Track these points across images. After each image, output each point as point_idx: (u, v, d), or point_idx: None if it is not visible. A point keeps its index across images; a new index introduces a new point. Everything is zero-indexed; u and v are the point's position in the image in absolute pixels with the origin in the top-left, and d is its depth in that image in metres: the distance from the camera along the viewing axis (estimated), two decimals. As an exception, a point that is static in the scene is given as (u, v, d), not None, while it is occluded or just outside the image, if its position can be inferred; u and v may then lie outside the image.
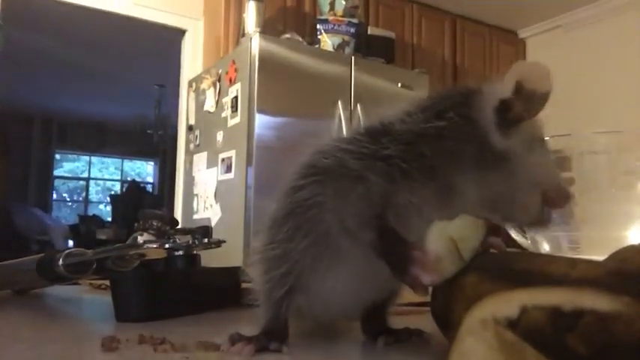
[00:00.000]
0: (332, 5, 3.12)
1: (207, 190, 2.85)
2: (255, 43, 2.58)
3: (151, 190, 8.25)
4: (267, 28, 2.96)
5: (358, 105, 2.75)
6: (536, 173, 0.45)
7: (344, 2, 3.11)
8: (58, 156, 7.94)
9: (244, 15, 3.00)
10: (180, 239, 0.76)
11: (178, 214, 3.20)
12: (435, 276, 0.38)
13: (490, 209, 0.44)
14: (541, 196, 0.44)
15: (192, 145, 3.11)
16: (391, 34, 3.48)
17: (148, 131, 6.53)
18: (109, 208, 7.60)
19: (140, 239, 0.79)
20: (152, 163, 8.56)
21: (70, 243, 6.17)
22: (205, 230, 0.85)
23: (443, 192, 0.43)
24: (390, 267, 0.41)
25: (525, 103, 0.43)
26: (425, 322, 0.51)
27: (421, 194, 0.43)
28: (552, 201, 0.45)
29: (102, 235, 5.96)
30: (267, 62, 2.58)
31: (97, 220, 6.88)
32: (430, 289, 0.41)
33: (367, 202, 0.42)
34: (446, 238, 0.40)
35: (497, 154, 0.43)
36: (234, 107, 2.66)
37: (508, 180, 0.44)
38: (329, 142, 0.48)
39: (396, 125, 0.45)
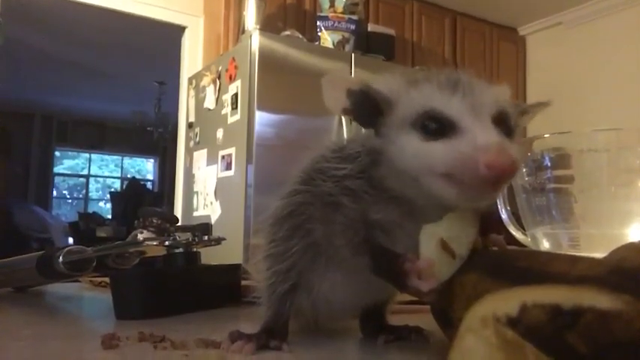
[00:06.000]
0: (332, 2, 3.12)
1: (207, 188, 2.85)
2: (255, 40, 2.57)
3: (150, 187, 8.24)
4: (267, 25, 2.96)
5: (358, 102, 2.74)
6: (402, 160, 0.40)
7: (344, -1, 3.11)
8: (58, 153, 7.93)
9: (244, 12, 3.00)
10: (180, 237, 0.76)
11: (178, 211, 3.19)
12: (432, 282, 0.39)
13: (442, 207, 0.41)
14: (436, 177, 0.39)
15: (192, 143, 3.11)
16: (391, 32, 3.47)
17: (148, 128, 6.51)
18: (108, 205, 7.60)
19: (140, 237, 0.79)
20: (152, 160, 8.55)
21: (70, 240, 6.17)
22: (205, 228, 0.85)
23: (402, 201, 0.43)
24: (390, 283, 0.41)
25: (354, 103, 0.43)
26: (425, 320, 0.52)
27: (387, 208, 0.43)
28: (451, 178, 0.38)
29: (102, 233, 5.95)
30: (267, 59, 2.58)
31: (96, 217, 6.88)
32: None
33: (351, 230, 0.43)
34: (436, 240, 0.40)
35: (379, 152, 0.43)
36: (234, 104, 2.66)
37: (395, 173, 0.42)
38: (324, 151, 0.49)
39: (348, 148, 0.47)
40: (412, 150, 0.40)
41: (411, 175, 0.41)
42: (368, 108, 0.43)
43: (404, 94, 0.42)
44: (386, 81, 0.44)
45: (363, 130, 0.46)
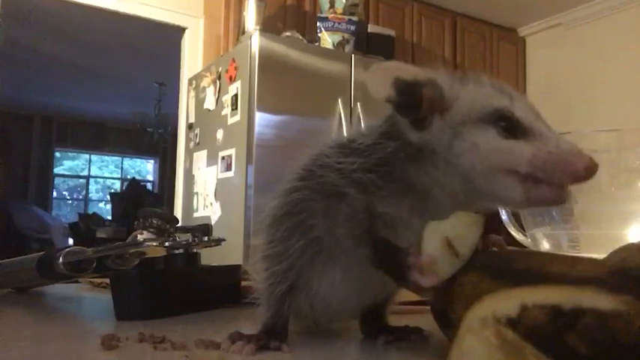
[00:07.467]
0: (332, 3, 3.12)
1: (207, 189, 2.85)
2: (255, 41, 2.57)
3: (151, 188, 8.24)
4: (267, 26, 2.96)
5: (358, 103, 2.75)
6: (474, 156, 0.41)
7: (344, 0, 3.11)
8: (58, 154, 7.93)
9: (244, 13, 3.00)
10: (180, 237, 0.76)
11: (178, 212, 3.19)
12: (433, 278, 0.39)
13: (467, 203, 0.43)
14: (509, 175, 0.41)
15: (192, 143, 3.11)
16: (391, 32, 3.47)
17: (148, 129, 6.51)
18: (108, 206, 7.59)
19: (140, 237, 0.79)
20: (152, 161, 8.55)
21: (70, 241, 6.17)
22: (205, 228, 0.85)
23: (418, 198, 0.44)
24: (390, 277, 0.41)
25: (399, 93, 0.42)
26: (425, 321, 0.51)
27: (398, 203, 0.44)
28: (529, 178, 0.40)
29: (102, 234, 5.95)
30: (267, 60, 2.58)
31: (96, 218, 6.87)
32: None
33: (355, 220, 0.43)
34: (440, 238, 0.40)
35: (420, 148, 0.43)
36: (234, 105, 2.66)
37: (444, 169, 0.42)
38: (323, 148, 0.49)
39: (357, 142, 0.47)
40: (490, 145, 0.41)
41: (474, 172, 0.41)
42: (414, 100, 0.43)
43: (461, 91, 0.43)
44: (439, 76, 0.44)
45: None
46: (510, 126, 0.41)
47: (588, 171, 0.39)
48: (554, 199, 0.41)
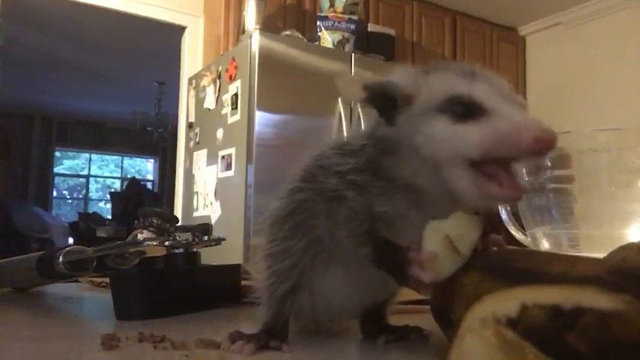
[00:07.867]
0: (332, 2, 3.12)
1: (207, 188, 2.85)
2: (255, 40, 2.57)
3: (151, 187, 8.24)
4: (267, 25, 2.96)
5: (358, 103, 2.74)
6: (430, 145, 0.41)
7: (344, -1, 3.11)
8: (58, 153, 7.93)
9: (244, 12, 3.00)
10: (180, 237, 0.76)
11: (178, 211, 3.19)
12: (433, 273, 0.39)
13: (452, 200, 0.42)
14: (465, 168, 0.40)
15: (192, 143, 3.11)
16: (391, 31, 3.47)
17: (148, 129, 6.51)
18: (108, 205, 7.59)
19: (140, 237, 0.79)
20: (152, 160, 8.55)
21: (70, 240, 6.17)
22: (205, 228, 0.85)
23: (408, 191, 0.44)
24: (390, 275, 0.41)
25: (370, 95, 0.44)
26: (425, 321, 0.52)
27: (393, 199, 0.44)
28: (483, 167, 0.39)
29: (102, 233, 5.94)
30: (267, 59, 2.58)
31: (96, 217, 6.87)
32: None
33: (355, 222, 0.44)
34: (441, 236, 0.40)
35: (390, 143, 0.44)
36: (234, 104, 2.66)
37: (412, 162, 0.42)
38: (324, 149, 0.49)
39: (351, 143, 0.48)
40: (443, 133, 0.40)
41: (434, 162, 0.41)
42: (384, 99, 0.44)
43: (422, 84, 0.43)
44: (400, 73, 0.45)
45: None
46: (467, 110, 0.40)
47: (538, 143, 0.37)
48: (506, 196, 0.40)
